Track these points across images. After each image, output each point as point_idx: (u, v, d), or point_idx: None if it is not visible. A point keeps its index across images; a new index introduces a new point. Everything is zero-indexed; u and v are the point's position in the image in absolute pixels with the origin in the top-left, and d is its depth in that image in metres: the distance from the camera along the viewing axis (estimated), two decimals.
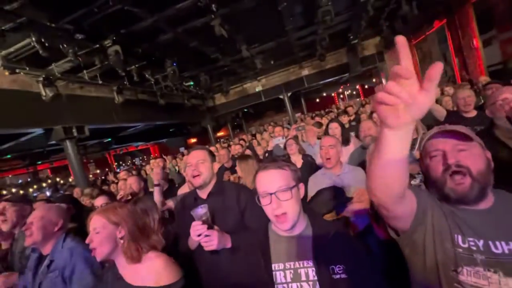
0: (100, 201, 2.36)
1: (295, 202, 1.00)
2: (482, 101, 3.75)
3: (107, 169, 16.09)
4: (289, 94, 12.41)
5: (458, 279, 0.83)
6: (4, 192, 12.75)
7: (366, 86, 18.31)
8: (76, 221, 2.03)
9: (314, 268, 0.96)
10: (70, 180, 14.83)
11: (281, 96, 12.43)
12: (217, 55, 7.78)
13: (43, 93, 5.32)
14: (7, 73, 4.78)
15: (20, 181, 16.62)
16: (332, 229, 1.05)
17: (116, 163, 20.25)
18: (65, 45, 4.45)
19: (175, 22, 5.35)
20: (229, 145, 6.78)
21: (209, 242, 1.23)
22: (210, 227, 1.26)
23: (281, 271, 1.00)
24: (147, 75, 7.33)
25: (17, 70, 4.84)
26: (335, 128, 3.26)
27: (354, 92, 20.11)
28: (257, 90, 12.62)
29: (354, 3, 6.42)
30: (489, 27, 5.71)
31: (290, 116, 12.70)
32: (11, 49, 4.49)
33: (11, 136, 7.08)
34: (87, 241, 1.23)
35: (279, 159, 1.09)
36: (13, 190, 13.49)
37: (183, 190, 2.80)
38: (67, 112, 6.01)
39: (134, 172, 6.06)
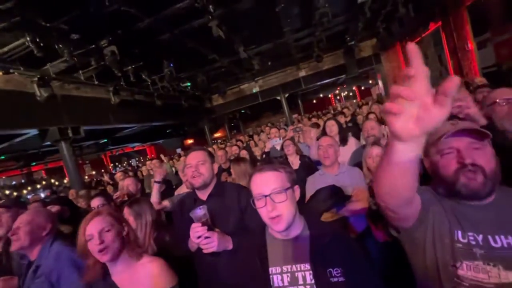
0: (96, 202, 2.34)
1: (290, 204, 0.99)
2: None
3: (102, 171, 15.96)
4: (286, 95, 12.41)
5: (457, 274, 0.84)
6: None
7: (362, 88, 18.47)
8: (71, 223, 2.00)
9: (311, 272, 0.95)
10: (65, 181, 14.70)
11: (278, 97, 12.44)
12: (214, 56, 7.74)
13: (38, 94, 5.24)
14: (1, 73, 4.72)
15: (14, 182, 16.41)
16: (329, 232, 1.04)
17: (112, 164, 20.11)
18: (60, 45, 4.38)
19: (172, 22, 5.31)
20: (225, 146, 6.76)
21: (209, 244, 1.22)
22: (210, 229, 1.25)
23: (278, 275, 0.99)
24: (143, 76, 7.25)
25: (12, 70, 4.77)
26: (332, 126, 3.29)
27: (351, 94, 20.26)
28: (254, 91, 12.59)
29: (351, 5, 6.45)
30: (483, 30, 5.77)
31: (287, 117, 12.70)
32: (5, 49, 4.42)
33: (5, 137, 6.97)
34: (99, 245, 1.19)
35: (274, 161, 1.09)
36: (7, 192, 13.30)
37: (181, 191, 2.79)
38: (62, 112, 5.93)
39: (130, 173, 6.01)
